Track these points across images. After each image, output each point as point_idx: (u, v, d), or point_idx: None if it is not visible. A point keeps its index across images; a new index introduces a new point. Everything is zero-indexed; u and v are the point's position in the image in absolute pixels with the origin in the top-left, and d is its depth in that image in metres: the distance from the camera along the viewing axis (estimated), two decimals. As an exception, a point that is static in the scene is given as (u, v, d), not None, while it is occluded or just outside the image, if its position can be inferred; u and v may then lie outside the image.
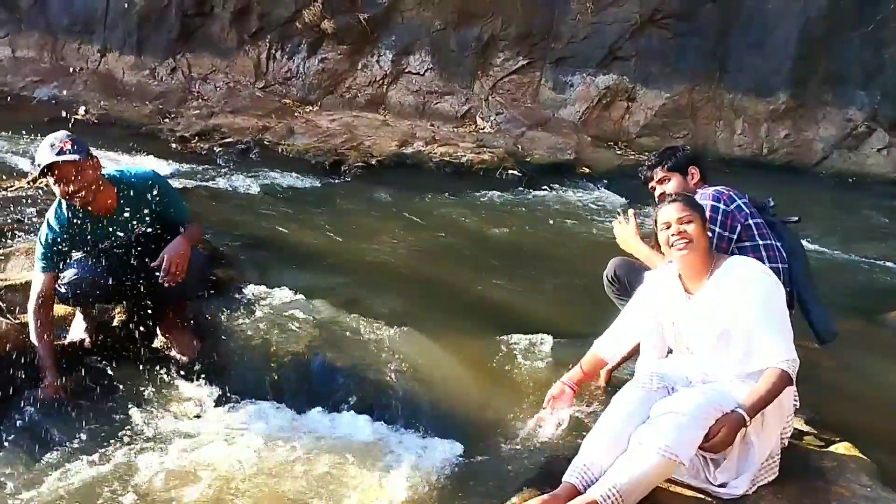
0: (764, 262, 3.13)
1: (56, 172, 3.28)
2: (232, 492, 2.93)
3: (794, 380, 2.65)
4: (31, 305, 3.45)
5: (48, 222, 3.48)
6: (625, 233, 3.59)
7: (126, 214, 3.52)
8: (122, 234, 3.55)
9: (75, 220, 3.46)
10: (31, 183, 6.05)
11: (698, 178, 3.47)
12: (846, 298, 5.28)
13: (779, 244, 3.29)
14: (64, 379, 3.39)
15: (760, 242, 3.23)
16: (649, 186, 3.59)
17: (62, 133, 3.36)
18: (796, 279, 3.27)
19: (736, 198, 3.30)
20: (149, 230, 3.60)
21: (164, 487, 2.93)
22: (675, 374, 2.75)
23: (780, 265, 3.22)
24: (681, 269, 2.86)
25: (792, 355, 2.62)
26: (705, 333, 2.74)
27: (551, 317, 4.52)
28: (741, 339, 2.67)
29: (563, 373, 3.79)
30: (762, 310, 2.66)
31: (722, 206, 3.23)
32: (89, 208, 3.43)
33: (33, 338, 3.42)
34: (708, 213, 3.17)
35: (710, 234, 2.93)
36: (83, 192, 3.33)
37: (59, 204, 3.47)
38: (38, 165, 3.29)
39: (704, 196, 3.27)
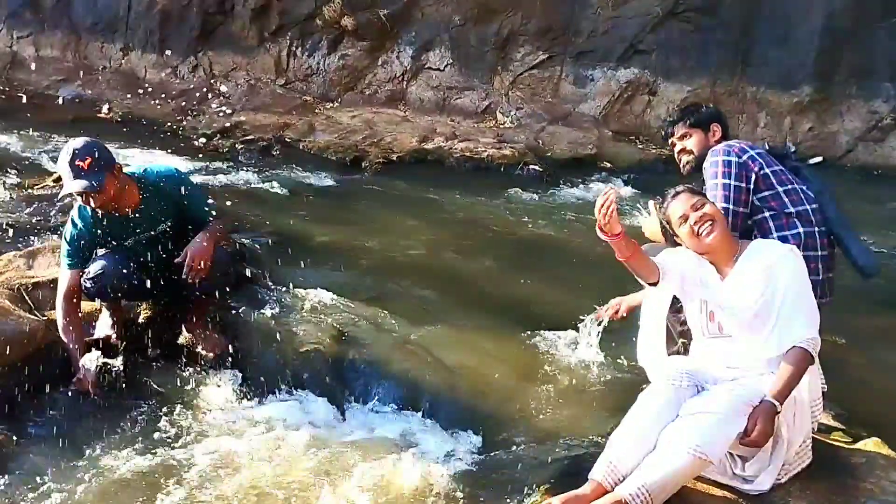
0: (788, 208, 3.14)
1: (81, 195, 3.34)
2: (257, 484, 2.95)
3: (816, 358, 2.63)
4: (58, 302, 3.50)
5: (72, 220, 3.52)
6: (652, 225, 3.58)
7: (149, 212, 3.55)
8: (145, 232, 3.58)
9: (99, 219, 3.50)
10: (57, 181, 6.12)
11: (720, 135, 3.42)
12: (873, 292, 5.20)
13: (804, 187, 3.23)
14: (94, 374, 3.43)
15: (780, 189, 3.19)
16: (669, 143, 3.57)
17: (82, 145, 3.33)
18: (829, 218, 3.22)
19: (748, 149, 3.25)
20: (172, 227, 3.63)
21: (190, 481, 2.96)
22: (704, 371, 2.72)
23: (807, 206, 3.18)
24: (708, 258, 2.83)
25: (813, 333, 2.61)
26: (737, 315, 2.72)
27: (573, 311, 4.48)
28: (770, 318, 2.66)
29: (584, 368, 3.81)
30: (790, 289, 2.66)
31: (734, 158, 3.18)
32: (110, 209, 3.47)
33: (62, 334, 3.47)
34: (721, 169, 3.15)
35: (723, 212, 2.92)
36: (107, 206, 3.40)
37: (82, 205, 3.51)
38: (61, 186, 3.33)
39: (715, 152, 3.23)
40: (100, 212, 3.48)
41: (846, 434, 3.08)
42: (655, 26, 9.86)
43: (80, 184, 3.26)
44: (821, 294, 3.07)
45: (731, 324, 2.77)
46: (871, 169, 9.21)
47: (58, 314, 3.49)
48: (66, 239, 3.53)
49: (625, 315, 3.54)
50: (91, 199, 3.36)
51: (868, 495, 2.60)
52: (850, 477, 2.70)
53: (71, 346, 3.45)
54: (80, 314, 3.56)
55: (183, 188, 3.61)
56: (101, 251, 3.62)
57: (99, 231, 3.53)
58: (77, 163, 3.27)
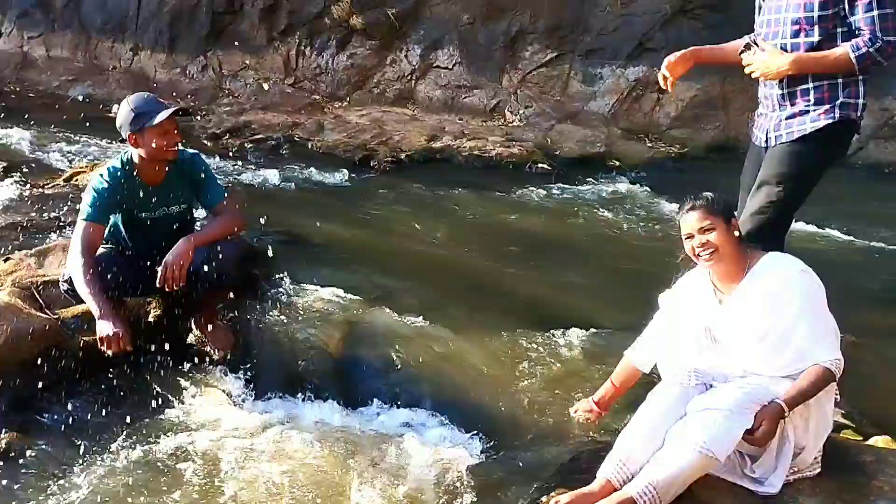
0: None
1: (171, 123, 3.43)
2: (263, 483, 2.96)
3: (836, 378, 2.60)
4: (75, 253, 3.35)
5: (102, 175, 3.52)
6: (762, 58, 3.54)
7: (170, 188, 3.62)
8: (162, 207, 3.62)
9: (126, 183, 3.53)
10: (72, 177, 6.16)
11: None
12: (884, 290, 5.19)
13: None
14: (124, 327, 3.21)
15: None
16: None
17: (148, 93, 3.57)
18: None
19: None
20: (185, 212, 3.73)
21: (197, 480, 2.98)
22: (713, 371, 2.70)
23: None
24: (713, 274, 2.80)
25: (836, 354, 2.57)
26: (743, 336, 2.69)
27: (581, 310, 4.50)
28: (781, 340, 2.61)
29: (592, 366, 3.81)
30: (804, 310, 2.60)
31: None
32: (142, 175, 3.53)
33: (82, 286, 3.28)
34: None
35: (737, 232, 2.76)
36: (177, 148, 3.49)
37: (115, 164, 3.55)
38: (162, 112, 3.38)
39: None
40: (129, 176, 3.52)
41: (856, 432, 3.07)
42: (665, 24, 9.83)
43: (179, 105, 3.46)
44: None
45: (735, 348, 2.73)
46: (883, 166, 9.14)
47: (74, 266, 3.31)
48: (94, 188, 3.47)
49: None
50: (176, 136, 3.47)
51: (878, 493, 2.58)
52: (861, 475, 2.68)
53: (94, 298, 3.23)
54: (100, 267, 3.41)
55: (202, 172, 3.67)
56: (101, 249, 3.56)
57: (123, 195, 3.53)
58: (158, 99, 3.50)
